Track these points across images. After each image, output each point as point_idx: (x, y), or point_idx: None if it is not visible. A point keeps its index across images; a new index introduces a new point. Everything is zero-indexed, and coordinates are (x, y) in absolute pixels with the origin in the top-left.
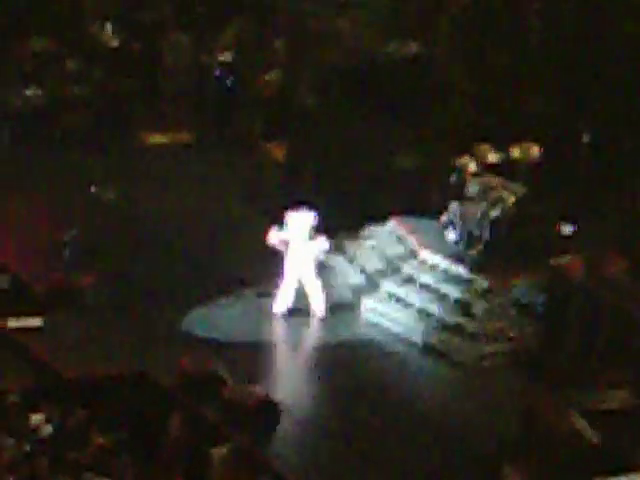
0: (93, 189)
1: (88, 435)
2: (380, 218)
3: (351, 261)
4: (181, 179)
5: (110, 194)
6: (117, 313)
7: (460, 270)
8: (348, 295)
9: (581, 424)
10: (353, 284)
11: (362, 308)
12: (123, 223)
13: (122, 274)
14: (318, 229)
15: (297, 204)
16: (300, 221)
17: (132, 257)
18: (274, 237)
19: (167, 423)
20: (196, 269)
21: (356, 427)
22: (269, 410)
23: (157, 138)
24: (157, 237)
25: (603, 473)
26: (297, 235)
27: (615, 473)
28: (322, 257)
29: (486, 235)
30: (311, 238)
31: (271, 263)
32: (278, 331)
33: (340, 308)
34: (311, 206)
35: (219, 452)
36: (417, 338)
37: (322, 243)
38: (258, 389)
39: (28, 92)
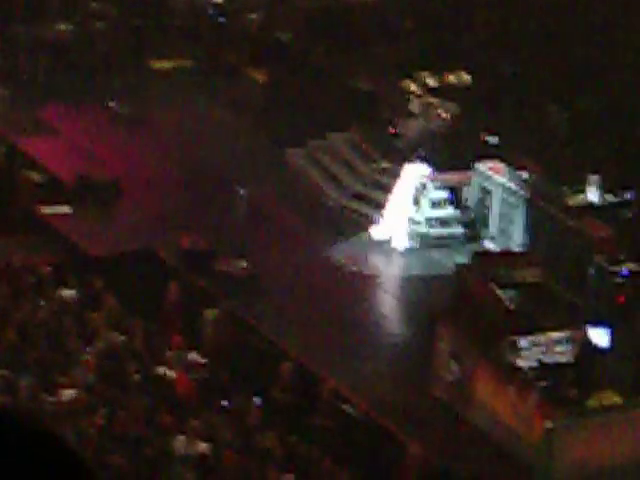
0: (112, 104)
1: (104, 300)
2: (341, 129)
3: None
4: (184, 97)
5: (125, 108)
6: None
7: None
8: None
9: (500, 294)
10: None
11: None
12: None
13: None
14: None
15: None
16: (416, 172)
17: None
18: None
19: (167, 290)
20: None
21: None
22: (253, 280)
23: (163, 64)
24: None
25: (517, 332)
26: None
27: (526, 333)
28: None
29: (426, 143)
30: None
31: None
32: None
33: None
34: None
35: (210, 313)
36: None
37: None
38: (245, 263)
39: (59, 27)
